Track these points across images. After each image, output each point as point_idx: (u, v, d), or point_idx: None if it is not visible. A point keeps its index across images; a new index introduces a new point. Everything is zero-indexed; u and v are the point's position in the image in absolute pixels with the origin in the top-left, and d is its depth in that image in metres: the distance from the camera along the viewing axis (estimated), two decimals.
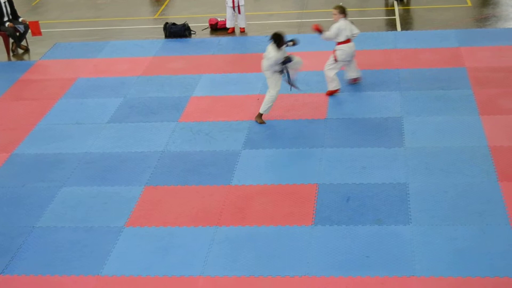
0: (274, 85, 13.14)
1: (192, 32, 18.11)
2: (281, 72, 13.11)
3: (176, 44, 17.53)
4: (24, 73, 16.36)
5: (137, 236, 10.45)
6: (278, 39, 12.87)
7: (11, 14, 17.51)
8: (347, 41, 13.79)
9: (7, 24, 17.29)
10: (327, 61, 14.00)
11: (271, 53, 12.89)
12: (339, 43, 13.80)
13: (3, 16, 17.32)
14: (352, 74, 14.38)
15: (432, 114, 13.24)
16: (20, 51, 17.81)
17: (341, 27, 13.67)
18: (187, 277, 9.59)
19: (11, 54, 17.56)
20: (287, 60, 13.00)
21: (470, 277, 9.20)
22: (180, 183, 11.67)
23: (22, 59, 17.45)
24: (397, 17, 18.54)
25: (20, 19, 17.61)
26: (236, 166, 12.03)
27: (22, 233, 10.69)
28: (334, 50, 13.88)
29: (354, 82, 14.42)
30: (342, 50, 13.82)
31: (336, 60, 13.88)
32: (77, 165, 12.39)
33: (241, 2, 17.80)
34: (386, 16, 18.84)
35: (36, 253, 10.23)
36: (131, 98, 14.70)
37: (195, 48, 17.22)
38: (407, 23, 18.13)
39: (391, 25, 18.07)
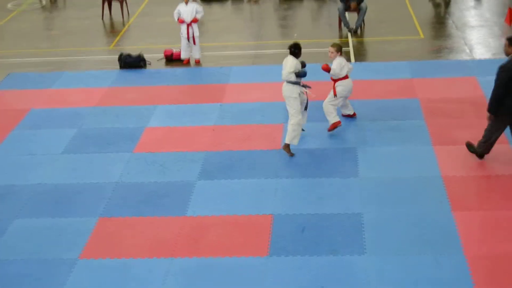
0: (295, 112, 12.98)
1: (147, 63, 18.10)
2: (299, 84, 12.98)
3: (131, 75, 17.49)
4: None
5: (91, 268, 10.34)
6: (298, 49, 12.91)
7: None
8: (346, 77, 13.81)
9: None
10: (327, 97, 13.87)
11: (290, 61, 12.87)
12: (340, 79, 13.77)
13: None
14: (347, 111, 14.37)
15: (386, 144, 13.36)
16: None
17: (342, 63, 13.68)
18: None
19: None
20: (303, 72, 12.93)
21: None
22: (135, 215, 11.59)
23: None
24: (351, 48, 18.74)
25: None
26: (191, 197, 12.00)
27: None
28: (334, 86, 13.78)
29: (350, 117, 14.46)
30: (344, 86, 13.76)
31: (335, 96, 13.82)
32: (30, 197, 12.25)
33: (196, 33, 17.84)
34: None
35: None
36: (86, 129, 14.61)
37: (150, 79, 17.20)
38: (361, 55, 18.32)
39: (345, 56, 18.21)
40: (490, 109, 12.11)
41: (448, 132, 13.60)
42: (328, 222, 11.09)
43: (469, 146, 12.68)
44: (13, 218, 11.64)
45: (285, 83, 13.05)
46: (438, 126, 13.84)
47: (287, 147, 13.15)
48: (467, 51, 18.02)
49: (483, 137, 12.40)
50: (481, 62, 17.16)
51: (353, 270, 9.98)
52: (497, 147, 12.92)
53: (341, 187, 12.05)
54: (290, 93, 12.96)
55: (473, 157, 12.65)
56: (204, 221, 11.31)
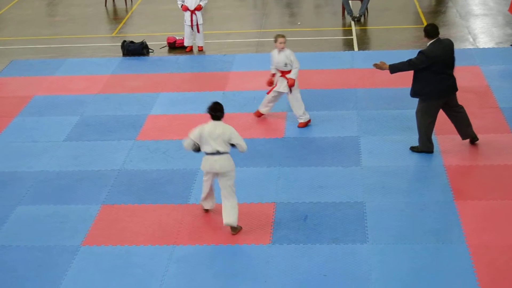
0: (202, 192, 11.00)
1: (150, 50, 18.07)
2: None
3: (133, 62, 17.47)
4: None
5: (93, 255, 10.36)
6: (217, 110, 10.34)
7: None
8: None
9: None
10: (291, 99, 13.43)
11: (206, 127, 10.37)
12: (289, 71, 13.34)
13: None
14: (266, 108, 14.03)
15: (388, 133, 13.34)
16: None
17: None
18: None
19: None
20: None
21: None
22: (137, 202, 11.60)
23: None
24: (354, 37, 18.70)
25: None
26: (193, 185, 12.00)
27: None
28: (289, 80, 13.27)
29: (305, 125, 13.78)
30: (296, 78, 13.36)
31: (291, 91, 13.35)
32: (32, 184, 12.26)
33: (200, 21, 17.79)
34: (344, 36, 18.98)
35: None
36: (88, 116, 14.61)
37: (153, 66, 17.18)
38: (364, 43, 18.28)
39: (348, 45, 18.21)
40: (392, 69, 12.58)
41: (450, 122, 13.55)
42: (330, 210, 11.10)
43: (413, 147, 12.64)
44: (15, 205, 11.65)
45: None
46: (441, 115, 13.78)
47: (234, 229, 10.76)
48: (471, 40, 17.98)
49: (418, 130, 12.43)
50: (484, 51, 17.12)
51: (355, 258, 9.99)
52: (500, 137, 12.94)
53: (344, 175, 12.05)
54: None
55: (476, 146, 12.64)
56: None
